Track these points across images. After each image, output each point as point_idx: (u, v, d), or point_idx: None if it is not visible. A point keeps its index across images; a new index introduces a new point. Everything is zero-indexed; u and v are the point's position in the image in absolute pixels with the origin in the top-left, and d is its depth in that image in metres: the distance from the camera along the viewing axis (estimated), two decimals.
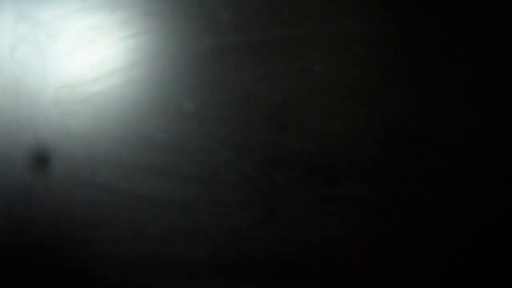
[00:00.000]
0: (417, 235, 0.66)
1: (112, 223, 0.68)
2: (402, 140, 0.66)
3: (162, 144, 0.67)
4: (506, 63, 0.65)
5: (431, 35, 0.66)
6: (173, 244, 0.67)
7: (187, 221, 0.67)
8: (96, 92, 0.68)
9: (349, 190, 0.66)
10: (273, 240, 0.67)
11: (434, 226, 0.66)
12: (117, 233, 0.68)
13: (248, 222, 0.67)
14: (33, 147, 0.68)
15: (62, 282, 0.68)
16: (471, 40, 0.65)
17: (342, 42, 0.66)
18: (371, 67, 0.66)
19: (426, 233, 0.66)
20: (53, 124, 0.68)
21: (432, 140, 0.66)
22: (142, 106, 0.68)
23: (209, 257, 0.67)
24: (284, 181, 0.67)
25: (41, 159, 0.68)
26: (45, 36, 0.69)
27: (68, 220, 0.68)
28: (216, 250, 0.67)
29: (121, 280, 0.68)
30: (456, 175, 0.66)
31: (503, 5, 0.65)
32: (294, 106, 0.66)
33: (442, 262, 0.66)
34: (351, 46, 0.66)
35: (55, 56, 0.68)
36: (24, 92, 0.69)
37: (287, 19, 0.66)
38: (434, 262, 0.66)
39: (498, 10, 0.65)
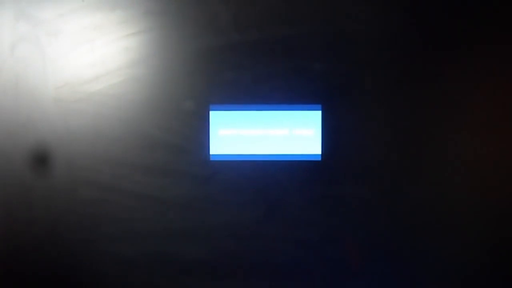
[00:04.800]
0: (418, 235, 0.66)
1: (112, 222, 0.68)
2: (402, 140, 0.66)
3: (162, 143, 0.67)
4: (506, 63, 0.65)
5: (432, 35, 0.65)
6: (173, 243, 0.68)
7: (187, 221, 0.67)
8: (96, 91, 0.68)
9: (349, 190, 0.66)
10: (273, 240, 0.67)
11: (435, 226, 0.66)
12: (117, 233, 0.68)
13: (248, 222, 0.67)
14: (33, 147, 0.68)
15: (62, 282, 0.68)
16: (472, 40, 0.65)
17: (342, 42, 0.66)
18: (371, 66, 0.66)
19: (427, 233, 0.66)
20: (53, 124, 0.68)
21: (432, 140, 0.66)
22: (142, 105, 0.67)
23: (209, 257, 0.67)
24: (284, 181, 0.67)
25: (41, 159, 0.68)
26: (45, 35, 0.68)
27: (68, 220, 0.68)
28: (216, 250, 0.67)
29: (121, 279, 0.68)
30: (457, 176, 0.66)
31: (503, 6, 0.65)
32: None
33: (443, 262, 0.66)
34: (351, 46, 0.66)
35: (55, 55, 0.68)
36: (24, 92, 0.68)
37: (287, 19, 0.66)
38: (434, 262, 0.66)
39: (498, 11, 0.65)
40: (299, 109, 0.66)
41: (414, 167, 0.66)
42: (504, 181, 0.65)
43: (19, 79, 0.69)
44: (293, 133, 0.66)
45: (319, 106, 0.66)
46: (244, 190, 0.67)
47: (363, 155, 0.66)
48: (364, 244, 0.66)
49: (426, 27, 0.65)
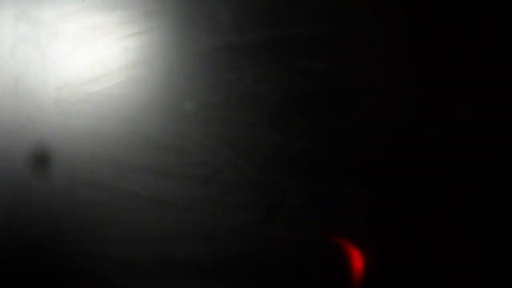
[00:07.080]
0: (418, 235, 0.66)
1: (112, 223, 0.68)
2: (402, 140, 0.66)
3: (162, 144, 0.67)
4: (506, 63, 0.65)
5: (432, 35, 0.65)
6: (173, 244, 0.67)
7: (187, 221, 0.67)
8: (96, 91, 0.68)
9: (349, 190, 0.66)
10: (273, 240, 0.67)
11: (435, 226, 0.66)
12: (117, 233, 0.68)
13: (248, 222, 0.67)
14: (33, 147, 0.68)
15: (62, 282, 0.68)
16: (473, 40, 0.65)
17: (342, 42, 0.66)
18: (371, 67, 0.66)
19: (427, 233, 0.66)
20: (53, 124, 0.68)
21: (433, 141, 0.66)
22: (142, 105, 0.68)
23: (209, 257, 0.67)
24: (284, 181, 0.67)
25: (41, 159, 0.68)
26: (45, 36, 0.69)
27: (68, 220, 0.68)
28: (216, 250, 0.67)
29: (121, 280, 0.68)
30: (458, 175, 0.66)
31: (503, 7, 0.65)
32: (294, 106, 0.66)
33: (443, 261, 0.66)
34: (351, 46, 0.66)
35: (55, 55, 0.68)
36: (24, 92, 0.69)
37: (287, 19, 0.66)
38: (434, 262, 0.66)
39: (498, 12, 0.65)
40: None
41: (415, 167, 0.66)
42: (504, 180, 0.65)
43: (19, 80, 0.69)
44: None
45: None
46: (244, 191, 0.67)
47: (363, 155, 0.66)
48: (364, 244, 0.66)
49: (427, 27, 0.65)
